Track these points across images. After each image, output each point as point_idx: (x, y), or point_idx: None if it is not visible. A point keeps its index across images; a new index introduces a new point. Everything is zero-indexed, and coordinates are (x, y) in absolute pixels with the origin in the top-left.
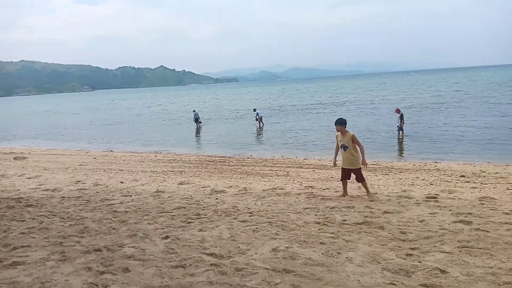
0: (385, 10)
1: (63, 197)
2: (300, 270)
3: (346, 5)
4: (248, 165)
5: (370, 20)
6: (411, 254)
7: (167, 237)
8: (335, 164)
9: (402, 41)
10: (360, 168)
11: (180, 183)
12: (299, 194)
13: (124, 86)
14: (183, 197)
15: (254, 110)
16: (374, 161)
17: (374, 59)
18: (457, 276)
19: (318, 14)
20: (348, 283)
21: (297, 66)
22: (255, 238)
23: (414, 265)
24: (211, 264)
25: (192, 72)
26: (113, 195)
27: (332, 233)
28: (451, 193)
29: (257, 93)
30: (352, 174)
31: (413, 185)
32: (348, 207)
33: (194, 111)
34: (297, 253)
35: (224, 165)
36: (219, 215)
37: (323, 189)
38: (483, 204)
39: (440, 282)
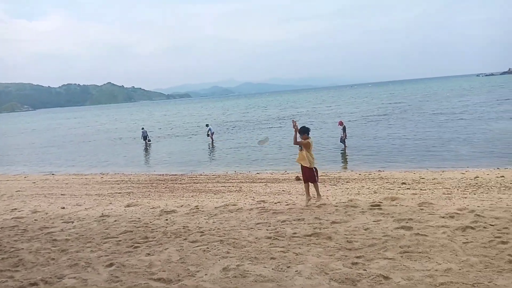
0: (330, 27)
1: None
2: None
3: (294, 22)
4: (200, 182)
5: (318, 36)
6: (356, 263)
7: (111, 265)
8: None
9: (348, 56)
10: (313, 169)
11: (128, 205)
12: (251, 209)
13: (69, 105)
14: (130, 220)
15: (207, 125)
16: (323, 172)
17: (323, 73)
18: (398, 282)
19: (268, 30)
20: None
21: (249, 81)
22: (206, 258)
23: (359, 273)
24: None
25: (142, 88)
26: (53, 223)
27: (283, 247)
28: (393, 200)
29: (210, 109)
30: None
31: (359, 194)
32: (298, 219)
33: (142, 128)
34: (248, 271)
35: (176, 183)
36: (168, 237)
37: (275, 203)
38: (422, 209)
39: None
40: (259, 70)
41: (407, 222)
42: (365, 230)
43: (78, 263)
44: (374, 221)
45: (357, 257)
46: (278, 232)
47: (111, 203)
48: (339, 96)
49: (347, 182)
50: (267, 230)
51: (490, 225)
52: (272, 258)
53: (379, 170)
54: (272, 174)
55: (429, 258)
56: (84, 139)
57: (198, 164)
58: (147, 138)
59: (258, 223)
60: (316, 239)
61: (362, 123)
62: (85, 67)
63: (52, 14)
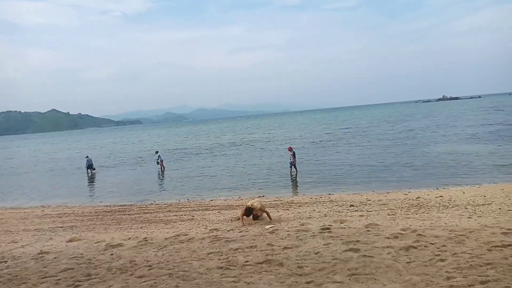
0: (281, 56)
1: None
2: None
3: (246, 51)
4: (151, 212)
5: (269, 65)
6: None
7: None
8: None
9: (298, 83)
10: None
11: (70, 240)
12: (203, 238)
13: (8, 133)
14: (72, 256)
15: (156, 152)
16: (276, 197)
17: (274, 100)
18: None
19: (221, 58)
20: None
21: (202, 107)
22: None
23: None
24: None
25: (89, 115)
26: None
27: (234, 276)
28: (342, 223)
29: (162, 135)
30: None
31: (310, 218)
32: (251, 246)
33: (87, 157)
34: None
35: (124, 214)
36: (113, 273)
37: (228, 231)
38: (369, 230)
39: None
40: (212, 97)
41: (354, 244)
42: (315, 254)
43: None
44: (324, 245)
45: (307, 282)
46: (230, 261)
47: (51, 238)
48: (291, 122)
49: (299, 206)
50: (219, 259)
51: (430, 243)
52: None
53: (329, 194)
54: (225, 200)
55: (375, 279)
56: (22, 171)
57: (149, 193)
58: (92, 167)
59: (209, 253)
60: (268, 266)
61: (312, 148)
62: (27, 93)
63: None
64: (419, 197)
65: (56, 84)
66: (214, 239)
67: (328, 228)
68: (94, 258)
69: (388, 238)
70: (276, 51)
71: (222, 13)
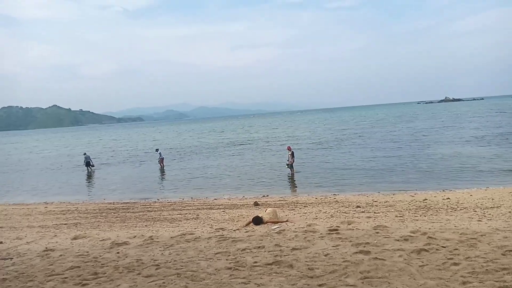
0: (281, 55)
1: None
2: None
3: (246, 49)
4: (155, 211)
5: (269, 64)
6: None
7: None
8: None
9: (298, 83)
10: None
11: (75, 238)
12: (210, 238)
13: (10, 128)
14: (78, 254)
15: (157, 150)
16: (281, 197)
17: (275, 99)
18: None
19: (222, 56)
20: None
21: (203, 105)
22: None
23: None
24: None
25: (91, 111)
26: None
27: (244, 278)
28: (350, 224)
29: (163, 133)
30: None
31: (316, 218)
32: (259, 247)
33: (84, 154)
34: None
35: (128, 212)
36: (120, 272)
37: (234, 230)
38: (378, 232)
39: None
40: (213, 95)
41: (364, 246)
42: (325, 256)
43: None
44: (333, 246)
45: (320, 285)
46: (238, 261)
47: (56, 235)
48: (293, 122)
49: (304, 206)
50: (226, 260)
51: (442, 247)
52: None
53: (334, 194)
54: (230, 199)
55: (389, 283)
56: (23, 167)
57: (152, 191)
58: (91, 164)
59: (217, 253)
60: (278, 268)
61: (316, 148)
62: (28, 88)
63: None
64: (426, 199)
65: (57, 80)
66: (221, 239)
67: (336, 230)
68: (100, 256)
69: (398, 240)
70: (277, 49)
71: (223, 9)
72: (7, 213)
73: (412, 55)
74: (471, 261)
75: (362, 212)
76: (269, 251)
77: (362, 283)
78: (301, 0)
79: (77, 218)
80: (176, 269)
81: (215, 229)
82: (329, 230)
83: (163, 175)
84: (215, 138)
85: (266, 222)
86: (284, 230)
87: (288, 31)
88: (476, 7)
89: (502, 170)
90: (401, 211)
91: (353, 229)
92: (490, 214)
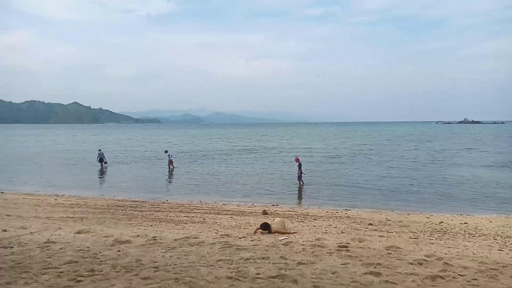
0: (299, 66)
1: None
2: None
3: (264, 59)
4: (162, 211)
5: (286, 74)
6: None
7: None
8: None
9: (313, 95)
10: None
11: (78, 232)
12: (214, 243)
13: (32, 121)
14: (78, 248)
15: (166, 152)
16: (291, 208)
17: (290, 109)
18: None
19: (239, 65)
20: None
21: (220, 111)
22: None
23: None
24: None
25: (110, 110)
26: None
27: None
28: (361, 242)
29: (179, 136)
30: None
31: (326, 233)
32: (263, 258)
33: (99, 150)
34: None
35: (135, 210)
36: (117, 271)
37: (239, 238)
38: (390, 253)
39: None
40: (229, 102)
41: (375, 267)
42: (332, 274)
43: None
44: (342, 264)
45: None
46: (240, 271)
47: (60, 228)
48: (308, 133)
49: (314, 219)
50: (228, 268)
51: (459, 275)
52: None
53: (346, 209)
54: (238, 206)
55: None
56: (40, 159)
57: (162, 191)
58: (104, 160)
59: (219, 260)
60: (281, 282)
61: (330, 161)
62: (51, 85)
63: (17, 29)
64: (442, 222)
65: (78, 78)
66: (225, 245)
67: (346, 246)
68: (100, 253)
69: (411, 264)
70: (294, 61)
71: (244, 20)
72: (17, 202)
73: (431, 75)
74: None
75: (374, 230)
76: (273, 263)
77: None
78: (320, 13)
79: (84, 212)
80: (175, 273)
81: (220, 235)
82: (339, 246)
83: (171, 177)
84: (229, 144)
85: (274, 232)
86: (291, 242)
87: (306, 43)
88: (496, 30)
89: None
90: (415, 232)
91: (364, 248)
92: None
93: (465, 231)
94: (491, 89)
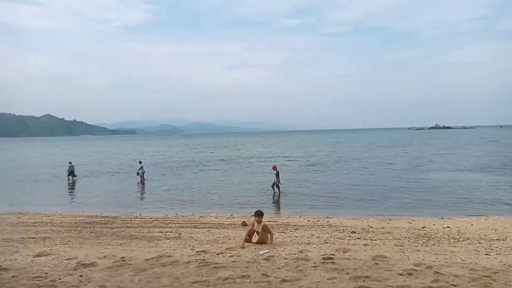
0: (275, 76)
1: None
2: None
3: (242, 68)
4: (134, 227)
5: (264, 84)
6: None
7: None
8: (243, 247)
9: (291, 104)
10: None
11: (38, 255)
12: (189, 262)
13: (1, 135)
14: (34, 276)
15: (140, 162)
16: (271, 218)
17: (268, 118)
18: None
19: (218, 75)
20: None
21: (198, 121)
22: None
23: None
24: None
25: (84, 122)
26: None
27: None
28: (345, 252)
29: (154, 147)
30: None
31: (309, 243)
32: (243, 276)
33: (70, 163)
34: None
35: (105, 227)
36: None
37: (217, 254)
38: (377, 264)
39: None
40: (208, 112)
41: (364, 281)
42: None
43: None
44: (328, 279)
45: None
46: None
47: (17, 251)
48: (284, 141)
49: (296, 229)
50: None
51: (452, 285)
52: None
53: (327, 217)
54: (216, 218)
55: None
56: (5, 174)
57: (136, 205)
58: (73, 174)
59: (194, 282)
60: None
61: (308, 169)
62: (22, 97)
63: None
64: (425, 227)
65: (52, 90)
66: (201, 264)
67: (331, 258)
68: (60, 279)
69: (401, 274)
70: (272, 71)
71: (221, 30)
72: None
73: (403, 83)
74: None
75: (358, 238)
76: (255, 282)
77: None
78: (297, 24)
79: (48, 231)
80: None
81: (197, 252)
82: (323, 258)
83: (144, 190)
84: (206, 154)
85: (264, 229)
86: (273, 256)
87: (284, 54)
88: (463, 41)
89: (500, 200)
90: (399, 239)
91: (350, 259)
92: (497, 247)
93: (449, 236)
94: (460, 95)
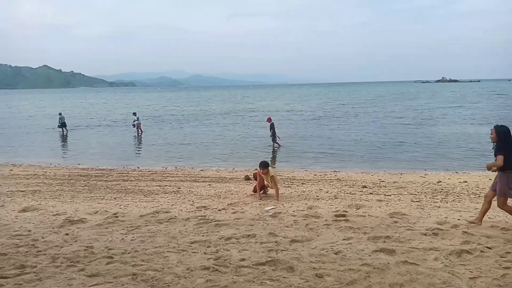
0: (278, 26)
1: None
2: None
3: (243, 17)
4: (131, 180)
5: (267, 34)
6: None
7: None
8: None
9: (296, 55)
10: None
11: (24, 210)
12: (188, 219)
13: None
14: (15, 233)
15: (134, 114)
16: (276, 171)
17: (271, 71)
18: None
19: (218, 24)
20: None
21: (198, 73)
22: None
23: None
24: None
25: (82, 73)
26: None
27: (225, 286)
28: (359, 209)
29: (154, 99)
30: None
31: (317, 199)
32: (248, 235)
33: (60, 114)
34: None
35: (100, 180)
36: (57, 266)
37: (219, 210)
38: (396, 222)
39: None
40: (209, 64)
41: (384, 241)
42: (335, 254)
43: None
44: (344, 240)
45: None
46: (220, 257)
47: (3, 205)
48: (288, 94)
49: (302, 183)
50: (205, 253)
51: (486, 247)
52: None
53: (334, 171)
54: (218, 171)
55: None
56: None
57: (134, 158)
58: (65, 125)
59: (193, 242)
60: (273, 271)
61: (313, 123)
62: (18, 47)
63: None
64: (440, 181)
65: (48, 39)
66: (201, 221)
67: (344, 215)
68: (43, 238)
69: (425, 234)
70: (275, 20)
71: None
72: None
73: (411, 34)
74: None
75: (370, 193)
76: (261, 243)
77: None
78: None
79: (40, 184)
80: (134, 265)
81: (196, 208)
82: (336, 215)
83: (138, 141)
84: (206, 107)
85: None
86: (280, 213)
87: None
88: None
89: None
90: (415, 194)
91: (365, 216)
92: None
93: (468, 191)
94: (469, 48)
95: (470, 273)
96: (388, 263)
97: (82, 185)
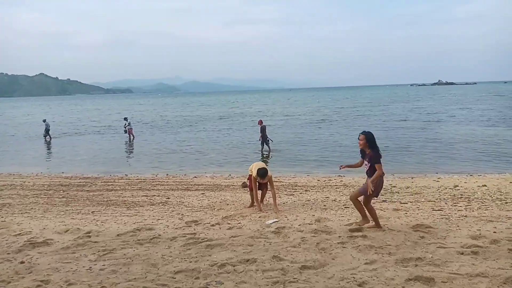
0: (275, 32)
1: None
2: None
3: (240, 24)
4: (116, 190)
5: (263, 41)
6: None
7: None
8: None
9: (292, 60)
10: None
11: None
12: (174, 238)
13: None
14: None
15: (125, 119)
16: (276, 177)
17: (268, 76)
18: None
19: (215, 31)
20: None
21: (195, 80)
22: None
23: None
24: None
25: (79, 81)
26: None
27: None
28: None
29: (150, 105)
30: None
31: (325, 209)
32: (247, 261)
33: (44, 120)
34: None
35: (81, 191)
36: None
37: (212, 225)
38: (423, 237)
39: None
40: (206, 70)
41: (416, 265)
42: (360, 286)
43: None
44: (366, 264)
45: None
46: None
47: None
48: (286, 98)
49: (305, 190)
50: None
51: None
52: None
53: (339, 176)
54: (213, 178)
55: None
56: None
57: (124, 165)
58: (49, 133)
59: (178, 272)
60: None
61: (313, 126)
62: (15, 55)
63: None
64: (457, 186)
65: (44, 48)
66: (190, 240)
67: (359, 230)
68: None
69: (462, 253)
70: (273, 27)
71: None
72: None
73: (406, 39)
74: None
75: (383, 201)
76: (263, 271)
77: None
78: None
79: (13, 196)
80: None
81: (186, 223)
82: (350, 230)
83: (130, 146)
84: (202, 112)
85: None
86: (284, 227)
87: (283, 8)
88: None
89: None
90: (434, 201)
91: (385, 230)
92: None
93: (491, 197)
94: (464, 52)
95: None
96: None
97: (60, 196)
